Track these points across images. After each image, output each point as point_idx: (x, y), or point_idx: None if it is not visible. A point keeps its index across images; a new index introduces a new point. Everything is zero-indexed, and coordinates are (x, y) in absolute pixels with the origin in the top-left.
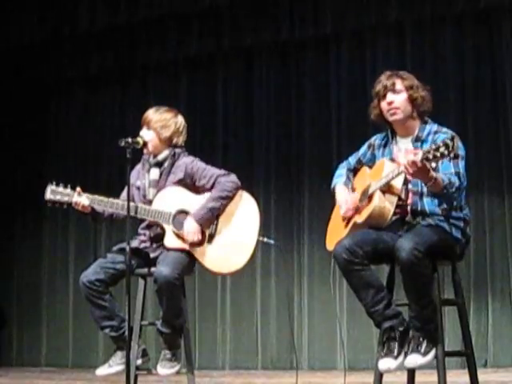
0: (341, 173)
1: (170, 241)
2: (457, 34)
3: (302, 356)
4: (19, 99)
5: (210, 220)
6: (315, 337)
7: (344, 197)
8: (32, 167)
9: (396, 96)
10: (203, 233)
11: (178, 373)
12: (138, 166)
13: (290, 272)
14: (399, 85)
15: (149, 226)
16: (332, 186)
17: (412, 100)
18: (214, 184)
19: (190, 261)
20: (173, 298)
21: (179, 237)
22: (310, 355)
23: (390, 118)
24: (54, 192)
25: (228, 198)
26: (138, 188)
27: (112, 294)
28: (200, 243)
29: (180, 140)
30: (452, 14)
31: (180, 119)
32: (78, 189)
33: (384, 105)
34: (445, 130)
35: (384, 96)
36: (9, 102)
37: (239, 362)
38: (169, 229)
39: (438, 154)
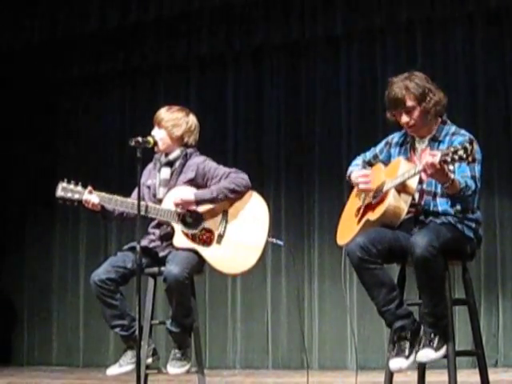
0: (357, 162)
1: (179, 240)
2: (467, 33)
3: (312, 355)
4: (29, 99)
5: (208, 205)
6: (326, 336)
7: (362, 171)
8: (43, 167)
9: (410, 115)
10: (212, 232)
11: (188, 372)
12: (150, 166)
13: (301, 271)
14: (410, 101)
15: (158, 225)
16: (348, 173)
17: (427, 112)
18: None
19: (199, 260)
20: (182, 297)
21: (188, 236)
22: (321, 355)
23: (410, 133)
24: (65, 189)
25: (235, 193)
26: (149, 187)
27: (122, 293)
28: (209, 243)
29: (191, 139)
30: (463, 14)
31: (192, 118)
32: (90, 187)
33: (400, 121)
34: (463, 132)
35: (400, 113)
36: (19, 103)
37: (250, 362)
38: (178, 228)
39: (457, 157)
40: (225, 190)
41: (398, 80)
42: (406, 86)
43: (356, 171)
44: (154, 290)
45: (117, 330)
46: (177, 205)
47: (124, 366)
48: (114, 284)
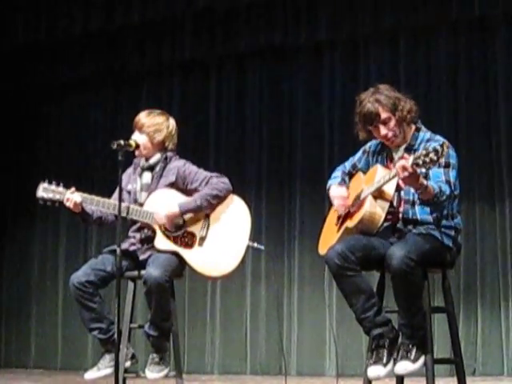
0: (337, 175)
1: (161, 242)
2: (451, 42)
3: (290, 361)
4: (11, 102)
5: (194, 215)
6: (304, 342)
7: (339, 192)
8: (22, 169)
9: (387, 126)
10: (194, 235)
11: (166, 376)
12: (129, 170)
13: (280, 277)
14: (384, 113)
15: (139, 229)
16: (327, 186)
17: (402, 120)
18: (206, 184)
19: (179, 263)
20: (162, 300)
21: (170, 238)
22: (299, 360)
23: (389, 145)
24: (47, 190)
25: (218, 198)
26: (129, 192)
27: (102, 296)
28: (191, 246)
29: (171, 144)
30: (446, 22)
31: (172, 123)
32: (73, 188)
33: (378, 135)
34: (437, 137)
35: (375, 127)
36: (1, 105)
37: (228, 367)
38: (160, 230)
39: (428, 160)
40: (208, 197)
41: (367, 96)
42: (376, 99)
43: (333, 188)
44: (133, 293)
45: (95, 333)
46: (163, 223)
47: (102, 369)
48: (94, 287)
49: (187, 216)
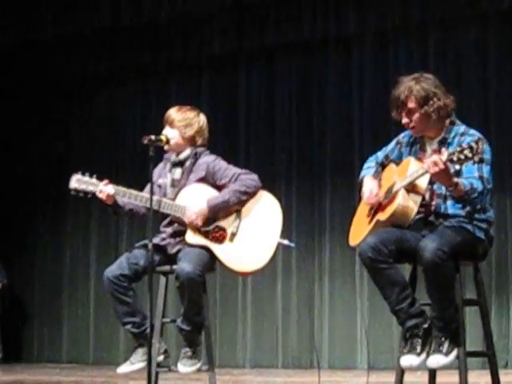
0: (370, 165)
1: (192, 237)
2: (480, 33)
3: (322, 355)
4: (42, 97)
5: (222, 211)
6: (336, 336)
7: (370, 186)
8: (54, 165)
9: (410, 116)
10: (225, 230)
11: (199, 370)
12: (161, 165)
13: (311, 271)
14: (412, 103)
15: (169, 224)
16: (360, 177)
17: (427, 116)
18: (235, 181)
19: (210, 258)
20: (194, 294)
21: (200, 233)
22: (331, 354)
23: (413, 134)
24: (80, 181)
25: (246, 195)
26: (160, 186)
27: (135, 290)
28: (222, 241)
29: (202, 139)
30: (475, 14)
31: (202, 118)
32: (106, 180)
33: (400, 121)
34: (472, 131)
35: (399, 113)
36: (31, 101)
37: (259, 360)
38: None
39: (462, 157)
40: (236, 193)
41: (406, 80)
42: (410, 87)
43: (366, 181)
44: (165, 287)
45: (128, 327)
46: (192, 221)
47: (135, 363)
48: (128, 281)
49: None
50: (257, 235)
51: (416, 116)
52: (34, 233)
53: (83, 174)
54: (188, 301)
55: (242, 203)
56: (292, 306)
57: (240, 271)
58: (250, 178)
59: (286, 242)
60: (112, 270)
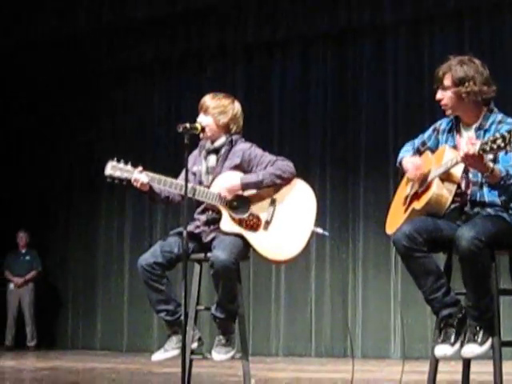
0: (407, 149)
1: (227, 224)
2: None
3: (355, 344)
4: (77, 87)
5: (253, 189)
6: (369, 325)
7: (412, 160)
8: (88, 153)
9: (444, 93)
10: (259, 218)
11: (232, 358)
12: (195, 152)
13: (345, 260)
14: (448, 80)
15: (204, 211)
16: (399, 159)
17: (459, 96)
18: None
19: (244, 246)
20: (228, 282)
21: (235, 221)
22: (364, 343)
23: (447, 112)
24: (115, 168)
25: (280, 179)
26: (194, 174)
27: (169, 278)
28: (256, 229)
29: (236, 126)
30: (510, 2)
31: (237, 106)
32: (140, 167)
33: (435, 96)
34: (510, 120)
35: (437, 88)
36: (66, 91)
37: (292, 349)
38: (225, 212)
39: (495, 146)
40: (271, 176)
41: (453, 59)
42: (452, 65)
43: (406, 158)
44: (199, 275)
45: (162, 314)
46: (223, 191)
47: (169, 351)
48: (161, 269)
49: (249, 192)
50: (291, 223)
51: (448, 94)
52: (69, 221)
53: (118, 160)
54: (222, 289)
55: (275, 187)
56: (325, 295)
57: (274, 260)
58: (286, 164)
59: (320, 230)
60: (146, 258)
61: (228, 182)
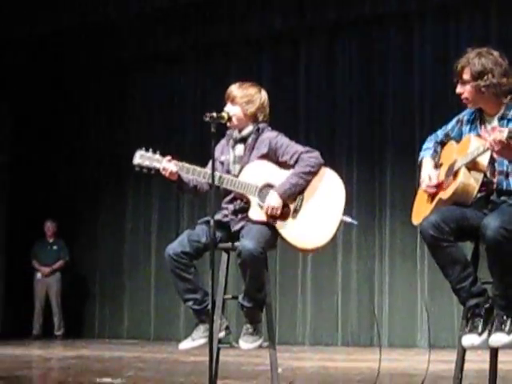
0: (429, 146)
1: (255, 213)
2: None
3: (382, 333)
4: (101, 78)
5: (293, 195)
6: (396, 314)
7: (427, 172)
8: (114, 142)
9: (463, 87)
10: (288, 207)
11: (260, 347)
12: (223, 141)
13: (372, 248)
14: (466, 74)
15: (232, 200)
16: (419, 158)
17: (478, 90)
18: (297, 160)
19: (273, 234)
20: (256, 271)
21: (264, 210)
22: (391, 332)
23: (468, 106)
24: (143, 157)
25: (311, 174)
26: (222, 163)
27: (196, 267)
28: (284, 217)
29: (263, 115)
30: None
31: (264, 94)
32: (169, 156)
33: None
34: None
35: (456, 82)
36: (90, 82)
37: (319, 338)
38: (254, 201)
39: None
40: (303, 175)
41: (471, 52)
42: (470, 58)
43: (425, 164)
44: (227, 264)
45: (189, 303)
46: (272, 213)
47: (197, 339)
48: (189, 258)
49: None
50: (320, 212)
51: (467, 88)
52: (96, 211)
53: (147, 149)
54: (250, 278)
55: (308, 183)
56: (352, 284)
57: (302, 248)
58: (313, 156)
59: (348, 219)
60: (173, 247)
61: (272, 201)
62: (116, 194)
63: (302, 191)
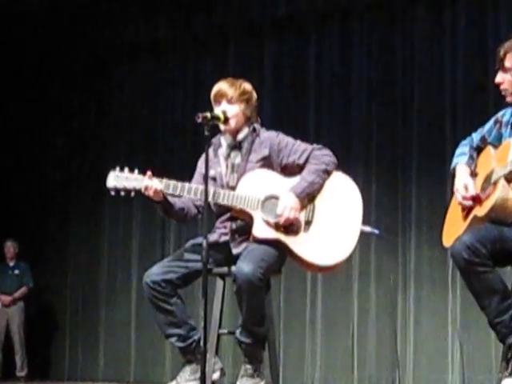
0: (463, 151)
1: (261, 230)
2: None
3: (406, 374)
4: (71, 73)
5: (310, 196)
6: (422, 351)
7: (463, 181)
8: (88, 148)
9: (504, 75)
10: (298, 219)
11: None
12: (210, 153)
13: (394, 273)
14: (509, 61)
15: (229, 219)
16: (452, 166)
17: None
18: (307, 159)
19: (279, 256)
20: (255, 300)
21: (270, 224)
22: (416, 373)
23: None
24: (119, 178)
25: (327, 173)
26: (214, 179)
27: (182, 297)
28: (295, 232)
29: (256, 115)
30: None
31: (254, 92)
32: (149, 172)
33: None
34: None
35: (497, 70)
36: (57, 79)
37: (331, 380)
38: (258, 216)
39: None
40: (320, 173)
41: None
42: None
43: (459, 171)
44: (222, 293)
45: (172, 340)
46: (287, 218)
47: (182, 383)
48: (171, 287)
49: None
50: (336, 223)
51: (508, 77)
52: (66, 229)
53: (121, 169)
54: (248, 308)
55: (323, 184)
56: (370, 316)
57: (321, 265)
58: (326, 154)
59: (368, 228)
60: (152, 274)
61: (287, 202)
62: (90, 209)
63: (314, 196)
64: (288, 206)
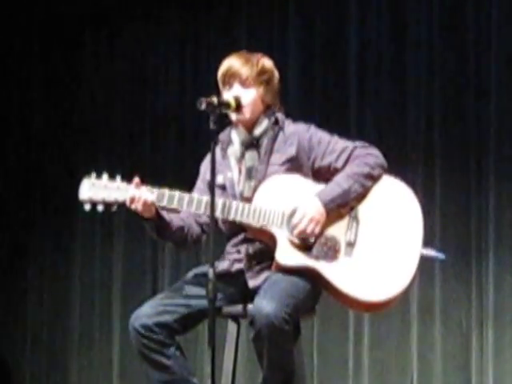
0: None
1: (286, 256)
2: None
3: None
4: (40, 48)
5: (343, 206)
6: None
7: None
8: (57, 144)
9: None
10: (337, 240)
11: None
12: (217, 154)
13: (466, 311)
14: None
15: (244, 241)
16: None
17: None
18: (347, 160)
19: (311, 291)
20: (279, 350)
21: (299, 248)
22: None
23: None
24: (95, 187)
25: (371, 179)
26: (223, 187)
27: (181, 346)
28: (333, 256)
29: (277, 101)
30: None
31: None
32: (136, 179)
33: None
34: None
35: None
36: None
37: None
38: (282, 236)
39: None
40: (360, 178)
41: None
42: None
43: None
44: (236, 341)
45: None
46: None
47: None
48: (166, 332)
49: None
50: (388, 243)
51: None
52: (26, 255)
53: (99, 174)
54: (270, 361)
55: (366, 192)
56: (435, 371)
57: (370, 301)
58: (372, 154)
59: (432, 252)
60: (141, 316)
61: (307, 210)
62: (58, 229)
63: (351, 208)
64: (308, 215)
